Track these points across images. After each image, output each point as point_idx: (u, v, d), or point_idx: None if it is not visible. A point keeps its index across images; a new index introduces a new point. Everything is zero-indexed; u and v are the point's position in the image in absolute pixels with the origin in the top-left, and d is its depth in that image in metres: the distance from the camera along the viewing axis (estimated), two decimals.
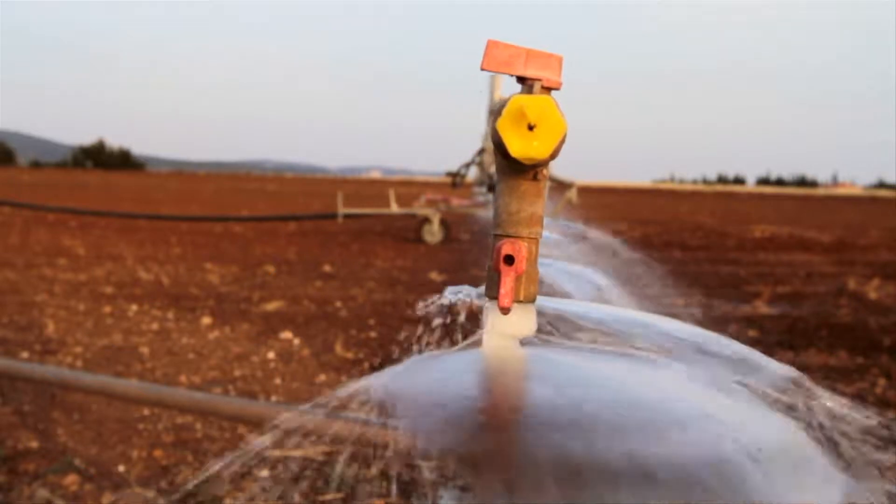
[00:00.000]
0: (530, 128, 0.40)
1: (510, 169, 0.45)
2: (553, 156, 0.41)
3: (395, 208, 8.08)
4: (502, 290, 0.44)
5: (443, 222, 8.05)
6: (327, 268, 5.95)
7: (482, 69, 0.43)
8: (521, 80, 0.45)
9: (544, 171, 0.45)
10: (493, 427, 0.37)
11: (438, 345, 0.52)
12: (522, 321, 0.48)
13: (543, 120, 0.40)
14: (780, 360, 0.53)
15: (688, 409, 0.43)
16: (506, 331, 0.48)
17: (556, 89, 0.44)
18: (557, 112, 0.41)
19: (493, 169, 2.30)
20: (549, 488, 0.33)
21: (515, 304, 0.47)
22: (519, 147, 0.41)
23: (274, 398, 2.63)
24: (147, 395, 1.65)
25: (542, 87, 0.43)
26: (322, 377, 2.89)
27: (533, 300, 0.48)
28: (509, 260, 0.45)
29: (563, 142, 0.41)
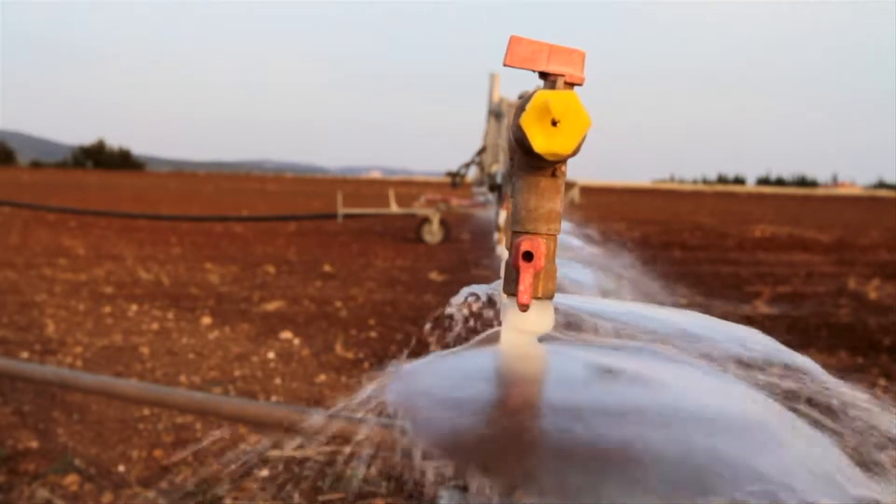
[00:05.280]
0: (554, 123, 0.40)
1: (530, 166, 0.45)
2: (575, 151, 0.41)
3: (395, 208, 8.07)
4: (521, 287, 0.44)
5: (443, 222, 8.05)
6: (327, 268, 5.95)
7: (505, 65, 0.43)
8: (543, 75, 0.44)
9: (563, 168, 0.45)
10: (513, 423, 0.37)
11: (458, 341, 0.52)
12: (540, 318, 0.48)
13: (567, 115, 0.40)
14: None
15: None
16: (523, 327, 0.49)
17: (579, 85, 0.44)
18: (581, 107, 0.41)
19: (493, 169, 2.28)
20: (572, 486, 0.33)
21: (533, 301, 0.47)
22: (542, 142, 0.41)
23: (274, 398, 2.63)
24: (147, 395, 1.64)
25: (565, 83, 0.43)
26: (322, 377, 2.88)
27: (551, 297, 0.48)
28: (528, 257, 0.45)
29: (584, 138, 0.41)
